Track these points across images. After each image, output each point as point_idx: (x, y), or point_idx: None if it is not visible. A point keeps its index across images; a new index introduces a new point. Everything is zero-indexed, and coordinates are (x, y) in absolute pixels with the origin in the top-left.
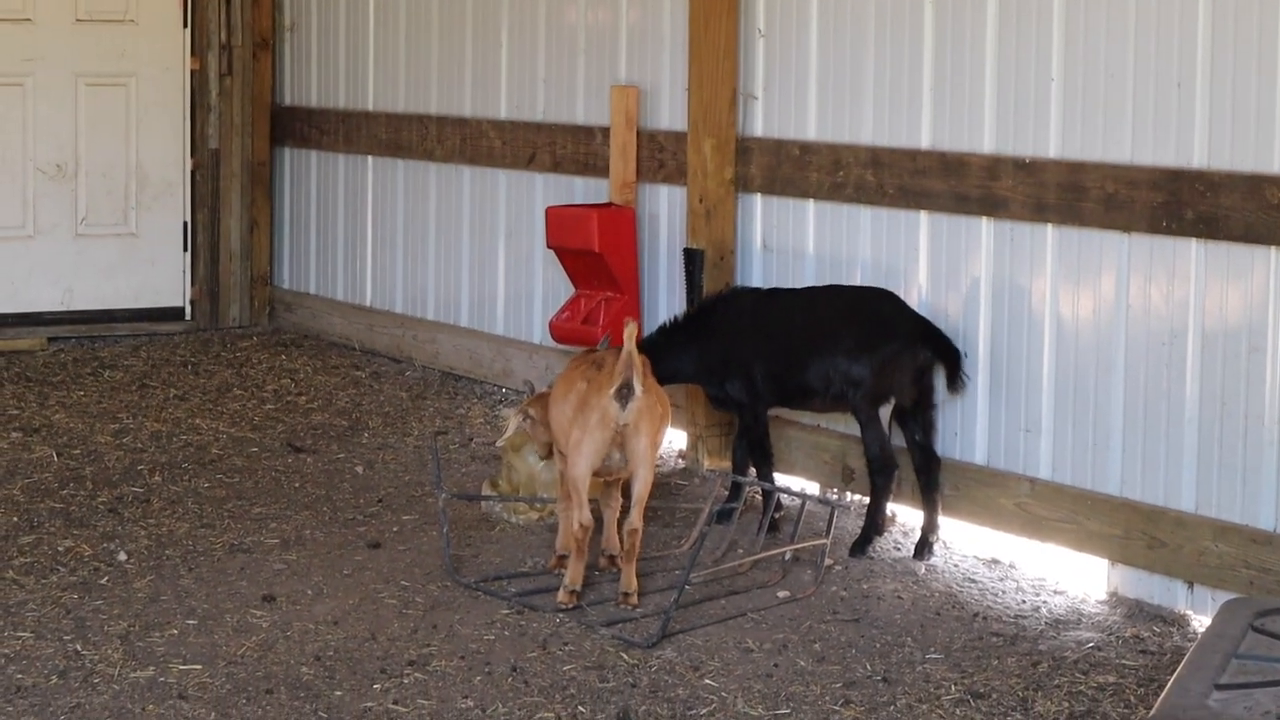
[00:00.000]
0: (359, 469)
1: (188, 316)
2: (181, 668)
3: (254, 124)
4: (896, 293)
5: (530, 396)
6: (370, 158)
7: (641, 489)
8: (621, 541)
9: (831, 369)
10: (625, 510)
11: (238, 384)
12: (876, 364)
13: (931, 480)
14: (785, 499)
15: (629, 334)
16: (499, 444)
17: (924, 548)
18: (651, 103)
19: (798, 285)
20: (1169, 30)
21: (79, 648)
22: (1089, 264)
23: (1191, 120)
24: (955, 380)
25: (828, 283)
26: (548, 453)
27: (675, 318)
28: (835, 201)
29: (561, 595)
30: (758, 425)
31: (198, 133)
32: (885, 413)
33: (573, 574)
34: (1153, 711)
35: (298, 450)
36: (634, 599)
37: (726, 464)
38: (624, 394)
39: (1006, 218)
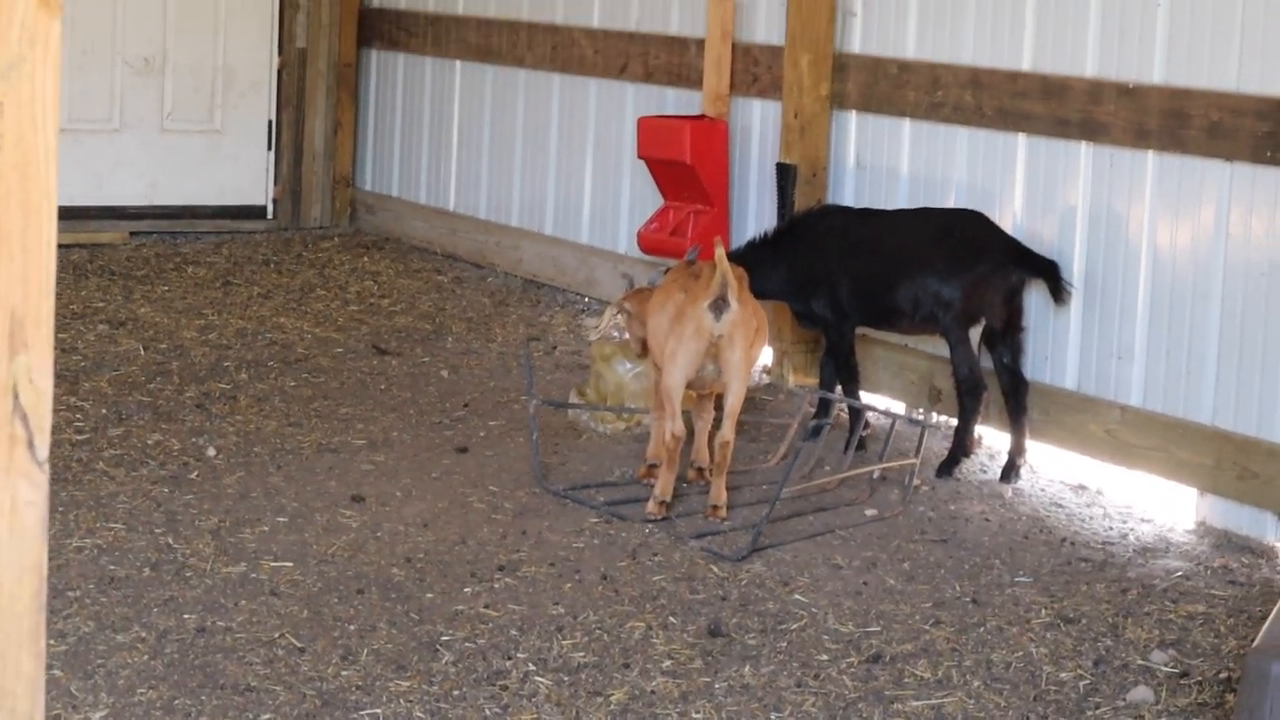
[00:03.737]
0: (444, 373)
1: (269, 215)
2: (273, 564)
3: (341, 24)
4: (991, 216)
5: (629, 291)
6: (458, 62)
7: (735, 402)
8: (712, 454)
9: (921, 290)
10: (717, 423)
11: (320, 284)
12: (967, 285)
13: (1020, 403)
14: (873, 418)
15: (719, 248)
16: (593, 336)
17: (1011, 471)
18: (747, 15)
19: (891, 205)
20: None
21: (170, 541)
22: (1189, 192)
23: None
24: (1059, 291)
25: (921, 203)
26: (641, 350)
27: (765, 233)
28: (932, 121)
29: (651, 505)
30: (843, 343)
31: (285, 31)
32: (975, 334)
33: (663, 484)
34: (1256, 641)
35: (382, 352)
36: (723, 511)
37: (812, 380)
38: (719, 306)
39: (1107, 143)
